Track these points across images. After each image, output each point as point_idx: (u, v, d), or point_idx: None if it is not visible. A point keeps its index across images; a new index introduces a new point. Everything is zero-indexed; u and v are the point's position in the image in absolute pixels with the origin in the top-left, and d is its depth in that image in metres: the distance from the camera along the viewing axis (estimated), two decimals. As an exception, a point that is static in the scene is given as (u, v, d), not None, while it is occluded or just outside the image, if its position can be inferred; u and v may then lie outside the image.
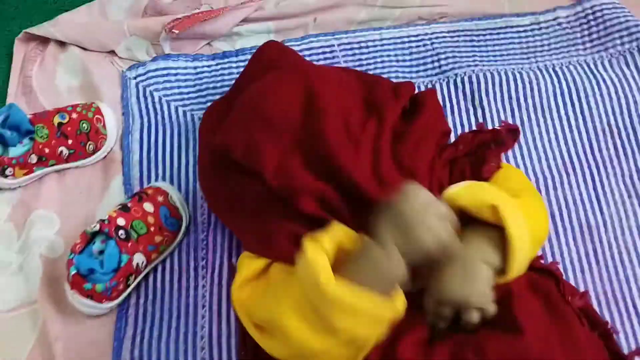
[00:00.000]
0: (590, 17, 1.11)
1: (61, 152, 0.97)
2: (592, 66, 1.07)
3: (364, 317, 0.62)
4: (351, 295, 0.60)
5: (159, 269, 0.91)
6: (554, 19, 1.12)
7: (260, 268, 0.74)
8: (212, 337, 0.86)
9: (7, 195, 0.98)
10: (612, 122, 1.01)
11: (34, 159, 0.95)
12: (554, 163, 0.98)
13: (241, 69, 1.07)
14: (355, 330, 0.62)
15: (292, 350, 0.66)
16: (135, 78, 1.07)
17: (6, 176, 0.96)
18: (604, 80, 1.05)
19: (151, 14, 1.14)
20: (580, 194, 0.95)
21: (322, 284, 0.60)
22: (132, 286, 0.88)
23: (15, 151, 0.95)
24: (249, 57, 1.08)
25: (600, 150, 0.99)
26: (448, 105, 1.03)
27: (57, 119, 0.97)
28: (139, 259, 0.87)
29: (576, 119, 1.02)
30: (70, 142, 0.97)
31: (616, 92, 1.04)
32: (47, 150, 0.96)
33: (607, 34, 1.09)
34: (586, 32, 1.10)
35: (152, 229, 0.89)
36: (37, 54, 1.12)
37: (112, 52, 1.11)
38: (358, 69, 1.08)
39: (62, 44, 1.12)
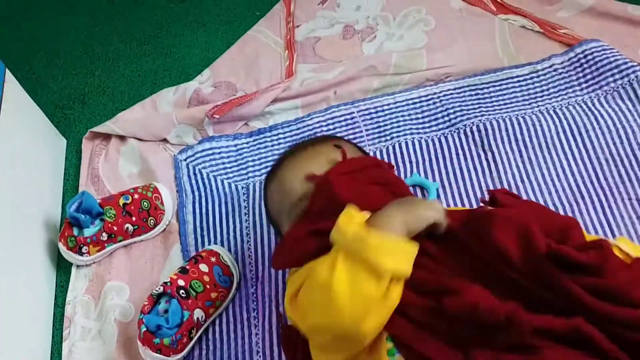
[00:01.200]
0: (583, 60, 1.21)
1: (127, 228, 1.11)
2: (589, 104, 1.15)
3: (402, 254, 0.68)
4: (388, 237, 0.68)
5: (217, 322, 1.01)
6: (550, 66, 1.22)
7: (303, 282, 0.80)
8: (268, 379, 0.95)
9: (84, 270, 1.12)
10: (614, 151, 1.08)
11: (104, 236, 1.10)
12: (564, 194, 1.05)
13: (275, 142, 1.21)
14: (399, 266, 0.68)
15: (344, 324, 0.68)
16: (185, 160, 1.20)
17: (82, 254, 1.11)
18: (601, 115, 1.13)
19: (195, 104, 1.28)
20: (592, 220, 1.02)
21: (362, 233, 0.67)
22: (194, 339, 0.99)
23: (88, 232, 1.10)
24: (280, 131, 1.21)
25: (605, 179, 1.06)
26: (461, 153, 1.12)
27: (122, 201, 1.12)
28: (198, 313, 0.98)
29: (580, 152, 1.09)
30: (134, 219, 1.11)
31: (614, 125, 1.11)
32: (115, 228, 1.10)
33: (599, 74, 1.18)
34: (581, 74, 1.20)
35: (208, 286, 1.00)
36: (101, 149, 1.26)
37: (165, 140, 1.24)
38: (376, 130, 1.18)
39: (122, 137, 1.26)
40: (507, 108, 1.18)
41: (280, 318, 1.00)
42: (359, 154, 0.94)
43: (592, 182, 1.07)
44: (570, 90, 1.19)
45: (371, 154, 1.14)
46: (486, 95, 1.21)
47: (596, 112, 1.14)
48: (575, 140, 1.12)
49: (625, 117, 1.12)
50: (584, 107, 1.16)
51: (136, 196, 1.13)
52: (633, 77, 1.16)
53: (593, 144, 1.11)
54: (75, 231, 1.10)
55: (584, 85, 1.19)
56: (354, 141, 1.03)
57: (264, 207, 0.98)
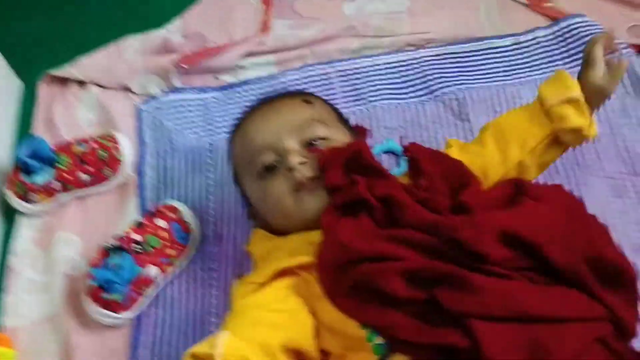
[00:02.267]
0: (567, 34, 1.18)
1: (82, 178, 1.04)
2: (571, 79, 1.14)
3: None
4: None
5: (175, 281, 0.97)
6: (534, 39, 1.19)
7: None
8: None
9: (32, 220, 1.05)
10: (596, 129, 1.07)
11: (57, 185, 1.04)
12: (540, 170, 1.03)
13: (245, 99, 1.16)
14: None
15: None
16: (149, 110, 1.15)
17: (31, 202, 1.04)
18: (583, 92, 1.11)
19: (162, 53, 1.22)
20: (567, 196, 1.00)
21: None
22: (147, 297, 0.94)
23: (39, 179, 1.03)
24: (252, 87, 1.17)
25: (583, 155, 1.03)
26: (437, 121, 1.09)
27: (77, 148, 1.05)
28: (153, 270, 0.94)
29: (558, 129, 1.08)
30: (89, 169, 1.05)
31: (595, 102, 1.10)
32: (69, 177, 1.04)
33: (583, 49, 1.16)
34: (564, 49, 1.17)
35: (165, 242, 0.96)
36: (59, 94, 1.20)
37: (128, 89, 1.18)
38: (352, 92, 1.15)
39: (82, 83, 1.20)
40: (488, 78, 1.16)
41: None
42: (329, 112, 0.90)
43: (567, 158, 1.04)
44: (552, 64, 1.16)
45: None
46: (467, 64, 1.18)
47: (577, 88, 1.11)
48: (554, 115, 1.09)
49: (607, 94, 1.10)
50: (566, 82, 1.13)
51: (94, 145, 1.07)
52: (617, 54, 1.13)
53: (572, 120, 1.08)
54: (25, 177, 1.03)
55: (567, 60, 1.17)
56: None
57: (229, 161, 0.94)
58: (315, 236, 0.75)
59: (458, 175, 0.79)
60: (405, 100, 1.13)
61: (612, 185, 1.01)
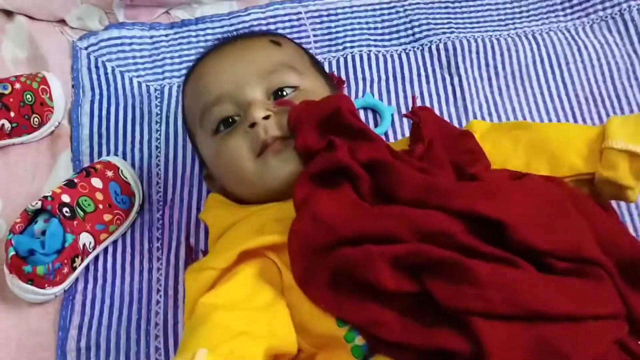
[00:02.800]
0: (570, -19, 1.06)
1: (2, 126, 0.90)
2: (572, 32, 1.02)
3: None
4: None
5: (110, 250, 0.85)
6: (533, -16, 1.07)
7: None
8: (168, 324, 0.79)
9: (-58, 174, 0.91)
10: (595, 90, 0.96)
11: (-29, 133, 0.88)
12: (535, 132, 0.93)
13: (200, 38, 1.02)
14: None
15: None
16: (86, 48, 1.01)
17: (-59, 152, 0.88)
18: (585, 47, 1.00)
19: None
20: (563, 166, 0.90)
21: None
22: (78, 270, 0.82)
23: (-50, 125, 0.88)
24: (209, 25, 1.04)
25: (584, 120, 0.94)
26: (423, 74, 0.98)
27: (-3, 90, 0.90)
28: (85, 239, 0.80)
29: (557, 87, 0.97)
30: (12, 114, 0.90)
31: (598, 59, 0.99)
32: (-15, 124, 0.89)
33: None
34: (566, -3, 1.06)
35: (100, 206, 0.82)
36: None
37: (62, 22, 1.05)
38: (326, 37, 1.03)
39: (8, 13, 1.05)
40: (480, 27, 1.04)
41: (191, 251, 0.84)
42: (302, 56, 0.77)
43: (568, 122, 0.94)
44: (552, 14, 1.05)
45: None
46: (457, 10, 1.06)
47: (580, 42, 1.01)
48: (553, 72, 0.99)
49: (612, 51, 1.00)
50: (567, 34, 1.03)
51: (17, 86, 0.92)
52: (625, 6, 1.02)
53: (573, 78, 0.98)
54: None
55: (568, 11, 1.06)
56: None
57: (182, 114, 0.81)
58: (286, 210, 0.62)
59: (465, 151, 0.66)
60: (387, 49, 1.02)
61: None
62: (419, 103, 0.95)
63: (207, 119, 0.70)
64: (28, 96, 0.91)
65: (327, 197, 0.60)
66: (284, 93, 0.69)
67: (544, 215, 0.58)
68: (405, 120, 0.94)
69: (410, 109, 0.93)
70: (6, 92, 0.90)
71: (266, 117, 0.67)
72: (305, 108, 0.66)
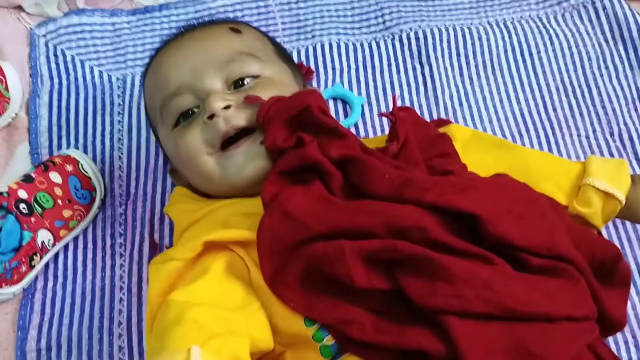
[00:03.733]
0: (542, -30, 1.05)
1: None
2: (544, 21, 1.01)
3: None
4: None
5: (70, 247, 0.82)
6: (505, -27, 1.05)
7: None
8: (132, 322, 0.77)
9: None
10: (566, 79, 0.95)
11: None
12: (507, 124, 0.92)
13: (164, 26, 0.99)
14: None
15: None
16: (44, 36, 0.97)
17: None
18: (557, 36, 0.99)
19: None
20: (535, 156, 0.89)
21: None
22: (37, 268, 0.78)
23: None
24: (173, 12, 1.00)
25: (554, 110, 0.93)
26: (393, 63, 0.96)
27: (-51, 80, 0.85)
28: (44, 236, 0.77)
29: (528, 77, 0.96)
30: None
31: (569, 48, 0.98)
32: (-63, 116, 0.84)
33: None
34: (538, -14, 1.04)
35: (59, 202, 0.79)
36: None
37: (19, 8, 1.00)
38: (295, 25, 0.99)
39: None
40: (452, 16, 1.02)
41: (155, 247, 0.82)
42: (264, 44, 0.74)
43: (539, 113, 0.94)
44: (524, 2, 1.04)
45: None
46: None
47: (551, 31, 1.00)
48: (524, 61, 0.98)
49: (583, 40, 0.99)
50: (538, 23, 1.01)
51: (-30, 76, 0.86)
52: None
53: (544, 67, 0.97)
54: None
55: (539, 0, 1.04)
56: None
57: (144, 107, 0.78)
58: (255, 206, 0.60)
59: (440, 154, 0.65)
60: (357, 37, 0.99)
61: (587, 147, 0.91)
62: (389, 94, 0.93)
63: (167, 112, 0.67)
64: (-18, 86, 0.87)
65: (298, 193, 0.58)
66: (245, 82, 0.66)
67: (519, 210, 0.57)
68: (375, 110, 0.92)
69: (379, 100, 0.92)
70: (-42, 82, 0.86)
71: (226, 108, 0.64)
72: (274, 104, 0.63)
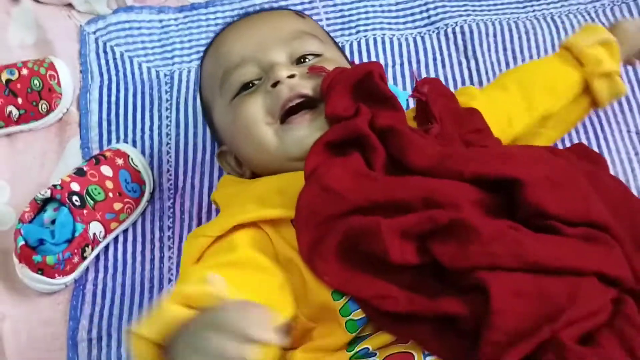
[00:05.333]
0: (591, -39, 1.03)
1: (10, 112, 0.88)
2: (592, 15, 0.99)
3: None
4: None
5: (120, 239, 0.84)
6: (553, -34, 1.04)
7: None
8: (180, 313, 0.78)
9: (-50, 161, 0.89)
10: (616, 74, 0.94)
11: (-22, 120, 0.87)
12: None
13: (210, 22, 1.00)
14: None
15: None
16: (94, 33, 0.99)
17: (-52, 140, 0.87)
18: (606, 30, 0.97)
19: None
20: (583, 152, 0.88)
21: None
22: (89, 259, 0.80)
23: (-43, 111, 0.86)
24: (219, 8, 1.01)
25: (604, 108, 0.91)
26: (439, 58, 0.96)
27: (4, 76, 0.89)
28: (95, 228, 0.79)
29: (577, 71, 0.94)
30: (20, 101, 0.88)
31: (619, 42, 0.96)
32: (-8, 111, 0.87)
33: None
34: (587, -21, 1.03)
35: (110, 194, 0.81)
36: None
37: (69, 5, 1.03)
38: (339, 20, 1.00)
39: None
40: (498, 10, 1.01)
41: None
42: (323, 32, 0.76)
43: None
44: None
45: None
46: None
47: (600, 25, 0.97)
48: (572, 56, 0.95)
49: (633, 35, 0.96)
50: (587, 17, 1.00)
51: (25, 71, 0.90)
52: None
53: (592, 63, 0.94)
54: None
55: None
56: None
57: (199, 93, 0.79)
58: (290, 181, 0.61)
59: (473, 130, 0.67)
60: (402, 32, 0.99)
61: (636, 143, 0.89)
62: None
63: (228, 83, 0.68)
64: (36, 82, 0.89)
65: (337, 166, 0.58)
66: (307, 59, 0.68)
67: (555, 178, 0.59)
68: (412, 102, 0.91)
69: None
70: (13, 77, 0.88)
71: (291, 77, 0.65)
72: (338, 74, 0.64)
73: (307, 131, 0.64)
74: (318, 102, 0.65)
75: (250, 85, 0.67)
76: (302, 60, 0.68)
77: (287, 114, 0.65)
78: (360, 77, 0.63)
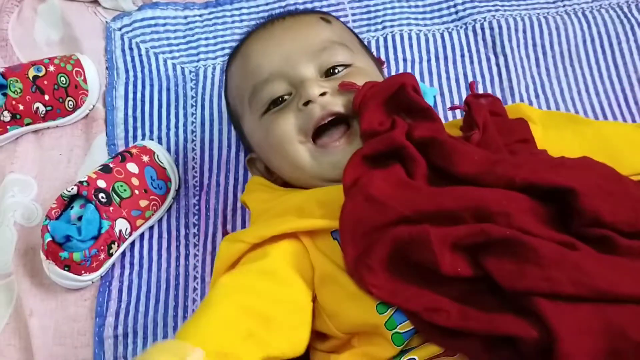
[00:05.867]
0: (623, -46, 1.01)
1: (37, 109, 0.88)
2: (625, 10, 0.97)
3: None
4: None
5: (146, 236, 0.83)
6: (584, -41, 1.02)
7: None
8: (205, 311, 0.77)
9: (-22, 157, 0.90)
10: (649, 71, 0.92)
11: (7, 116, 0.87)
12: (585, 117, 0.88)
13: (236, 19, 1.00)
14: None
15: None
16: (120, 29, 0.99)
17: (-24, 135, 0.87)
18: (638, 25, 0.95)
19: None
20: (615, 151, 0.86)
21: None
22: (115, 256, 0.80)
23: (-16, 107, 0.86)
24: (244, 5, 1.01)
25: (636, 103, 0.90)
26: (467, 54, 0.95)
27: (32, 72, 0.88)
28: (122, 225, 0.79)
29: (608, 68, 0.92)
30: (47, 97, 0.88)
31: (653, 38, 0.94)
32: (21, 107, 0.87)
33: None
34: (619, -27, 1.00)
35: (136, 191, 0.80)
36: (14, 5, 1.03)
37: (95, 2, 1.03)
38: (365, 16, 0.99)
39: None
40: (527, 5, 1.00)
41: None
42: (351, 35, 0.75)
43: (619, 106, 0.90)
44: None
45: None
46: None
47: (633, 21, 0.97)
48: (604, 52, 0.94)
49: (667, 29, 0.94)
50: (619, 12, 0.98)
51: (52, 68, 0.90)
52: None
53: (625, 59, 0.94)
54: (-33, 106, 0.86)
55: None
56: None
57: (224, 96, 0.79)
58: (330, 193, 0.60)
59: (519, 140, 0.64)
60: (429, 28, 0.98)
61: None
62: (463, 85, 0.91)
63: (257, 99, 0.68)
64: (62, 79, 0.89)
65: (379, 177, 0.57)
66: (336, 71, 0.67)
67: (607, 186, 0.56)
68: (447, 102, 0.90)
69: (452, 91, 0.91)
70: (40, 74, 0.88)
71: (322, 94, 0.64)
72: (370, 89, 0.63)
73: (342, 155, 0.62)
74: (350, 118, 0.64)
75: (280, 100, 0.66)
76: (331, 71, 0.67)
77: (317, 131, 0.64)
78: (393, 91, 0.62)
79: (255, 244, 0.61)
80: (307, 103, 0.64)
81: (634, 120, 0.88)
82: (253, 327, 0.54)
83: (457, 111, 0.87)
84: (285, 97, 0.66)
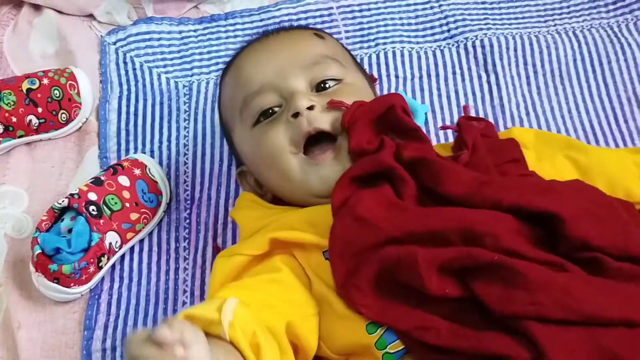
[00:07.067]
0: (614, -25, 1.02)
1: (30, 121, 0.88)
2: (615, 29, 0.98)
3: None
4: None
5: (136, 249, 0.83)
6: (574, -21, 1.03)
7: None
8: (194, 325, 0.77)
9: (-30, 169, 0.90)
10: (638, 89, 0.92)
11: (-1, 128, 0.87)
12: (575, 135, 0.89)
13: (230, 34, 1.01)
14: None
15: None
16: (114, 43, 1.00)
17: (-32, 148, 0.88)
18: (628, 45, 0.96)
19: None
20: (604, 169, 0.86)
21: None
22: (104, 269, 0.80)
23: (-22, 120, 0.87)
24: (239, 21, 1.02)
25: (626, 121, 0.90)
26: (458, 72, 0.95)
27: (25, 85, 0.89)
28: (112, 238, 0.79)
29: (598, 87, 0.93)
30: (40, 110, 0.89)
31: (642, 58, 0.95)
32: (14, 119, 0.87)
33: None
34: (610, -7, 1.02)
35: (127, 204, 0.81)
36: (9, 19, 1.04)
37: (91, 16, 1.04)
38: (358, 33, 1.00)
39: (36, 7, 1.05)
40: (519, 24, 1.01)
41: (218, 252, 0.81)
42: (343, 51, 0.76)
43: (609, 124, 0.91)
44: (594, 10, 1.01)
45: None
46: (495, 6, 1.03)
47: (622, 40, 0.97)
48: (594, 71, 0.95)
49: (657, 50, 0.95)
50: (609, 32, 0.99)
51: (45, 81, 0.90)
52: None
53: (615, 77, 0.94)
54: (-41, 117, 0.87)
55: (611, 7, 1.01)
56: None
57: (217, 109, 0.79)
58: (319, 215, 0.60)
59: (510, 160, 0.65)
60: (421, 45, 0.98)
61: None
62: (454, 102, 0.92)
63: (248, 110, 0.68)
64: (56, 92, 0.89)
65: (368, 197, 0.57)
66: (327, 85, 0.67)
67: (595, 211, 0.56)
68: (438, 119, 0.91)
69: (443, 108, 0.91)
70: (34, 87, 0.89)
71: (310, 108, 0.64)
72: (358, 108, 0.64)
73: (330, 170, 0.63)
74: (337, 136, 0.65)
75: (270, 112, 0.67)
76: (322, 85, 0.67)
77: (308, 143, 0.65)
78: (382, 111, 0.63)
79: (255, 255, 0.61)
80: (296, 115, 0.64)
81: (623, 139, 0.88)
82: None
83: (450, 132, 0.89)
84: (276, 108, 0.67)
